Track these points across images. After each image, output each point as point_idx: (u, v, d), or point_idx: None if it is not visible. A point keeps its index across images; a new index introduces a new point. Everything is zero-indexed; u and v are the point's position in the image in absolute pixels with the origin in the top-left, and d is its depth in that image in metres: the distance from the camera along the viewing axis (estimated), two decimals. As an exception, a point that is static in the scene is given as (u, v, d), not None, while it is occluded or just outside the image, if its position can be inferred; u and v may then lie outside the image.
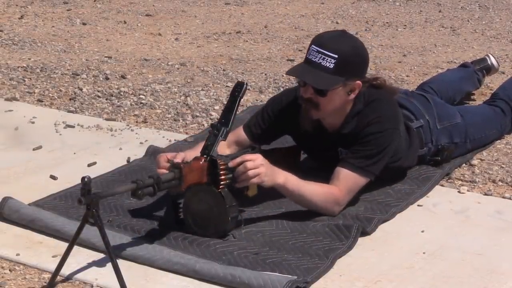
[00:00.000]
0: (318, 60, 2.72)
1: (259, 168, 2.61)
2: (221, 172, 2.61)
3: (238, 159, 2.63)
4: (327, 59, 2.71)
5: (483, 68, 4.14)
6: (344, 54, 2.72)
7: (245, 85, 2.66)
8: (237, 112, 2.69)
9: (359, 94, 2.82)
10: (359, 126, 2.83)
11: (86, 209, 2.26)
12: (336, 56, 2.70)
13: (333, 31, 2.91)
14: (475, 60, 4.23)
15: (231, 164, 2.62)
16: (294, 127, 2.96)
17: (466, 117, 3.35)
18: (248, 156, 2.64)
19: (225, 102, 4.10)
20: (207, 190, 2.61)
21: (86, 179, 2.23)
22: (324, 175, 2.84)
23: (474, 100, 4.13)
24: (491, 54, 4.28)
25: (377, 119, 2.81)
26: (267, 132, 3.02)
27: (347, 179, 2.78)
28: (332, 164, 2.84)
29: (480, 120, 3.42)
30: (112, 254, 2.29)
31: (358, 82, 2.78)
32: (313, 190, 2.74)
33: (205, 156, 2.60)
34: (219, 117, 2.58)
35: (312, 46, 2.75)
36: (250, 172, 2.60)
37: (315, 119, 2.86)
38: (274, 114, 3.00)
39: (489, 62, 4.16)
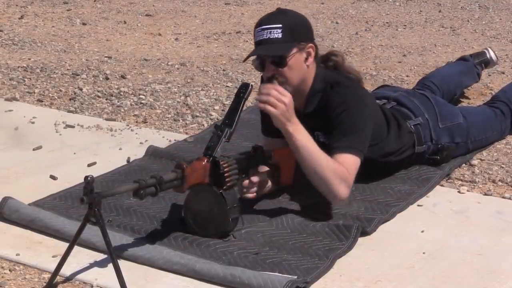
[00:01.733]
0: (266, 36, 2.77)
1: (281, 103, 2.65)
2: (226, 174, 2.61)
3: (269, 85, 2.69)
4: (273, 32, 2.76)
5: (482, 61, 4.13)
6: (286, 21, 2.78)
7: (250, 86, 2.67)
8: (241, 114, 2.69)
9: (319, 75, 2.86)
10: (322, 105, 2.85)
11: (88, 208, 2.27)
12: (280, 25, 2.77)
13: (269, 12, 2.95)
14: (474, 54, 4.22)
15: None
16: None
17: (468, 118, 3.35)
18: (279, 88, 2.67)
19: (225, 102, 4.12)
20: (209, 191, 2.61)
21: (89, 178, 2.24)
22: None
23: (470, 99, 4.13)
24: (490, 48, 4.26)
25: (344, 98, 2.82)
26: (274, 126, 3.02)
27: (344, 162, 2.73)
28: None
29: (481, 121, 3.42)
30: (113, 254, 2.29)
31: (311, 45, 2.83)
32: (324, 157, 2.70)
33: (207, 156, 2.60)
34: (219, 117, 2.59)
35: (256, 29, 2.81)
36: (272, 99, 2.65)
37: None
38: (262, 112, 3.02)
39: (488, 55, 4.15)
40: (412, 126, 3.13)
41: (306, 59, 2.82)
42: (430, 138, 3.18)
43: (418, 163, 3.18)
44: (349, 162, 2.75)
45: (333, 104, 2.83)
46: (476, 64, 4.08)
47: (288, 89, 2.76)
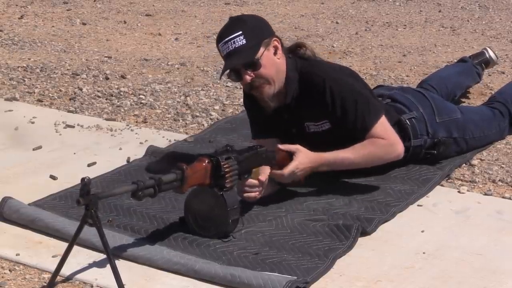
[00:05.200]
0: (231, 47, 2.83)
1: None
2: (227, 175, 2.60)
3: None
4: (236, 40, 2.83)
5: (482, 61, 4.14)
6: (244, 26, 2.85)
7: None
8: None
9: (290, 64, 2.93)
10: (301, 91, 2.93)
11: (85, 209, 2.26)
12: (240, 31, 2.83)
13: (224, 25, 2.97)
14: (474, 54, 4.22)
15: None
16: (260, 117, 3.03)
17: (466, 114, 3.37)
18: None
19: (225, 102, 4.13)
20: (209, 192, 2.61)
21: (86, 180, 2.23)
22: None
23: (470, 99, 4.13)
24: (489, 47, 4.26)
25: (326, 78, 2.90)
26: (267, 126, 3.03)
27: (378, 133, 2.89)
28: (316, 145, 2.91)
29: (479, 118, 3.43)
30: (110, 254, 2.29)
31: (274, 38, 2.90)
32: (360, 151, 2.89)
33: (208, 156, 2.60)
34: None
35: (219, 45, 2.87)
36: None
37: (270, 97, 2.90)
38: (252, 113, 3.10)
39: (487, 55, 4.15)
40: (406, 120, 3.15)
41: (275, 52, 2.89)
42: (426, 132, 3.19)
43: (415, 158, 3.18)
44: (379, 130, 2.90)
45: (316, 87, 2.91)
46: (475, 64, 4.08)
47: (268, 88, 2.87)
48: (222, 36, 2.86)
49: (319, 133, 2.95)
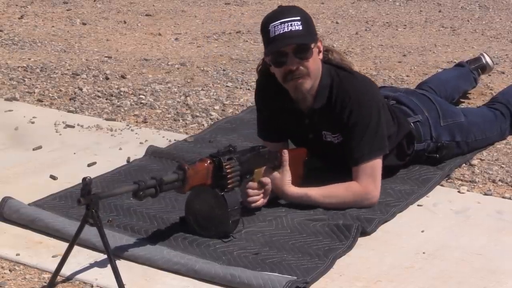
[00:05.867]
0: (287, 28, 2.73)
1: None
2: (228, 176, 2.60)
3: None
4: (293, 24, 2.73)
5: (479, 67, 4.16)
6: (302, 15, 2.78)
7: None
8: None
9: (325, 70, 2.85)
10: (330, 101, 2.85)
11: (86, 209, 2.26)
12: (298, 17, 2.75)
13: (275, 10, 2.89)
14: (470, 60, 4.24)
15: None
16: (274, 116, 2.97)
17: (469, 117, 3.37)
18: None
19: (225, 102, 4.12)
20: (210, 192, 2.60)
21: (87, 180, 2.23)
22: (332, 176, 2.87)
23: (470, 99, 4.13)
24: (486, 53, 4.28)
25: (353, 97, 2.82)
26: (275, 128, 3.01)
27: (365, 171, 2.81)
28: (328, 155, 2.91)
29: (482, 121, 3.43)
30: (111, 254, 2.29)
31: (320, 39, 2.85)
32: (337, 191, 2.83)
33: (210, 157, 2.60)
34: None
35: (271, 24, 2.75)
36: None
37: (307, 92, 2.83)
38: (266, 110, 3.00)
39: (484, 61, 4.17)
40: (411, 124, 3.14)
41: (319, 53, 2.84)
42: (430, 136, 3.18)
43: (417, 161, 3.18)
44: (368, 171, 2.82)
45: (341, 102, 2.83)
46: (472, 69, 4.10)
47: (308, 83, 2.79)
48: (278, 17, 2.75)
49: (334, 144, 2.91)
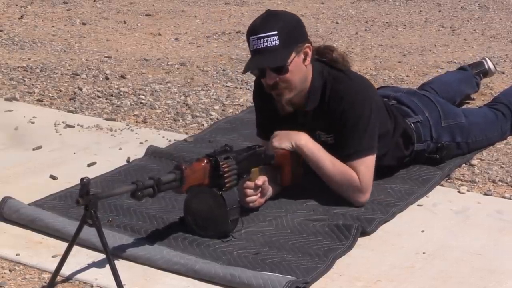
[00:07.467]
0: (263, 45, 2.74)
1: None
2: (226, 175, 2.60)
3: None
4: (269, 39, 2.73)
5: (481, 72, 4.18)
6: (281, 26, 2.75)
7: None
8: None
9: (317, 71, 2.85)
10: (322, 102, 2.86)
11: (85, 209, 2.26)
12: (276, 31, 2.73)
13: (259, 16, 2.86)
14: (472, 64, 4.26)
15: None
16: (271, 115, 2.97)
17: (470, 118, 3.37)
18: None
19: (225, 102, 4.12)
20: (208, 192, 2.60)
21: (85, 180, 2.23)
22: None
23: (473, 99, 4.13)
24: (488, 58, 4.29)
25: (345, 97, 2.83)
26: (273, 128, 3.01)
27: (357, 168, 2.81)
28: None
29: (483, 121, 3.43)
30: (110, 255, 2.28)
31: (307, 45, 2.82)
32: (331, 164, 2.83)
33: (207, 156, 2.60)
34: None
35: (250, 38, 2.77)
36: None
37: (287, 102, 2.84)
38: (263, 110, 3.03)
39: (486, 66, 4.20)
40: (411, 124, 3.14)
41: (305, 59, 2.82)
42: (430, 137, 3.19)
43: (417, 161, 3.18)
44: (362, 168, 2.82)
45: (334, 103, 2.84)
46: (474, 74, 4.11)
47: (287, 94, 2.80)
48: (256, 31, 2.76)
49: (327, 144, 2.91)
